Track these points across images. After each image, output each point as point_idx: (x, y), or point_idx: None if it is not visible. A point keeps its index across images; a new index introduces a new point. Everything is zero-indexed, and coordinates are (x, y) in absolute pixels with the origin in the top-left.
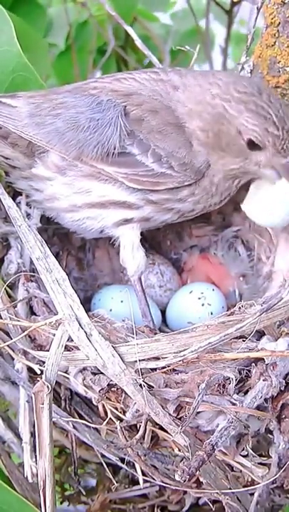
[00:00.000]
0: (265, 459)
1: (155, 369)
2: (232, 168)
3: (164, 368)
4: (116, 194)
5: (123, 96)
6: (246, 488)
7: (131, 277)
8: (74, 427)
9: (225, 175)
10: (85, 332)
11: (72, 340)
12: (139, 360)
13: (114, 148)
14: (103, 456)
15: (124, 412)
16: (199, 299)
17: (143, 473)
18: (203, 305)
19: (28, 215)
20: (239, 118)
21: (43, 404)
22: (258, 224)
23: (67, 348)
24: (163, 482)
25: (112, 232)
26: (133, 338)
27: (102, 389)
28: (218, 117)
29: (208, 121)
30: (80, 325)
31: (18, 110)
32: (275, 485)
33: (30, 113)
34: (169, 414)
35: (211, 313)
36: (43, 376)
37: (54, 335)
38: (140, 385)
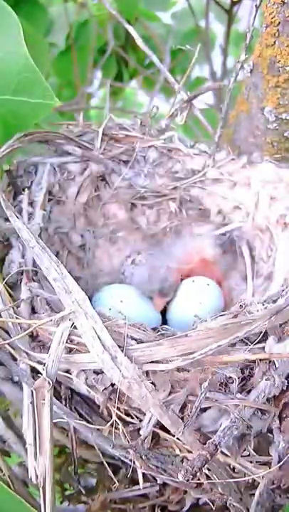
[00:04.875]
0: (265, 459)
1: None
2: None
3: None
4: None
5: None
6: (248, 490)
7: None
8: (74, 427)
9: None
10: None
11: (72, 342)
12: (143, 364)
13: None
14: (104, 455)
15: (126, 413)
16: (193, 281)
17: (143, 474)
18: (193, 281)
19: (30, 214)
20: None
21: (43, 400)
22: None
23: (68, 350)
24: (163, 482)
25: None
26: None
27: (105, 388)
28: None
29: None
30: (85, 316)
31: None
32: (275, 485)
33: None
34: (173, 412)
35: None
36: (44, 372)
37: (55, 332)
38: (143, 382)
